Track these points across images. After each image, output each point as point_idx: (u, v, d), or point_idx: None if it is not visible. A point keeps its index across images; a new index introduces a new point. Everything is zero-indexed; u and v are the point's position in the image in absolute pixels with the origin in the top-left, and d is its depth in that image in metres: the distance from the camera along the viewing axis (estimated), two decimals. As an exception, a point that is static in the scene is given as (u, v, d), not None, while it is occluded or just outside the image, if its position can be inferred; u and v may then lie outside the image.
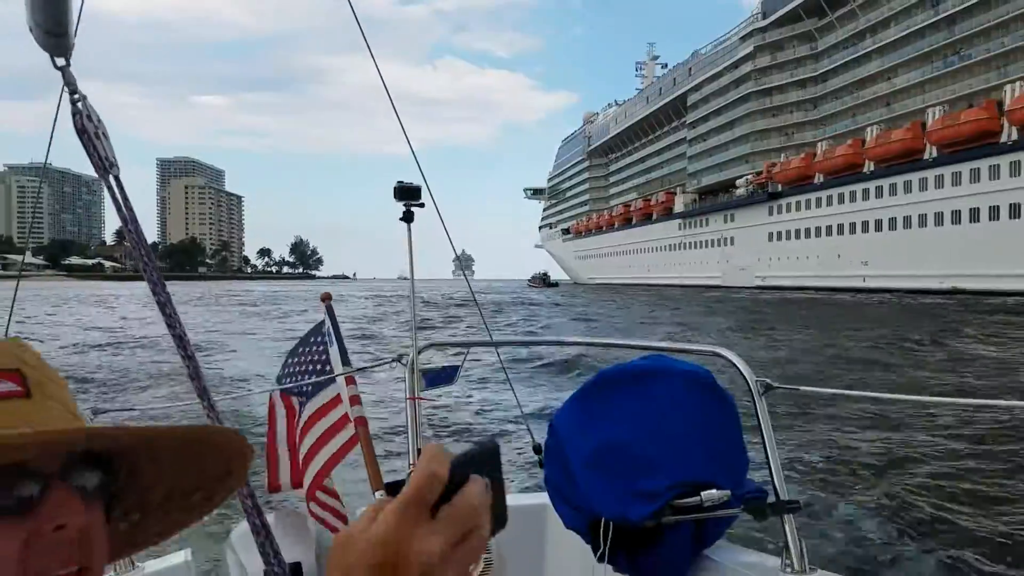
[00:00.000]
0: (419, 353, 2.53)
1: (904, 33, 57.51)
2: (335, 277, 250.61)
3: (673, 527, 1.53)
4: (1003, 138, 45.98)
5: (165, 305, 0.76)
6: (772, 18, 72.96)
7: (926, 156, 51.97)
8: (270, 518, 2.34)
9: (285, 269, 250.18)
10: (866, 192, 58.11)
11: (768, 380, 1.89)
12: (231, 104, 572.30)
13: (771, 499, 1.68)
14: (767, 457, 1.81)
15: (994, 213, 46.52)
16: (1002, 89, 47.09)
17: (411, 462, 2.27)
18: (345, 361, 2.60)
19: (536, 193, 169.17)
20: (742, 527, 1.91)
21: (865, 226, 58.37)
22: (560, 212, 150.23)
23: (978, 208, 47.60)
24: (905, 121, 55.62)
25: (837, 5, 65.31)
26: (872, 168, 57.56)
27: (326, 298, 2.79)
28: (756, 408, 1.88)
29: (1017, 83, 46.29)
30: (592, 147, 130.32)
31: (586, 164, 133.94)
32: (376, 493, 2.30)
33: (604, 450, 1.56)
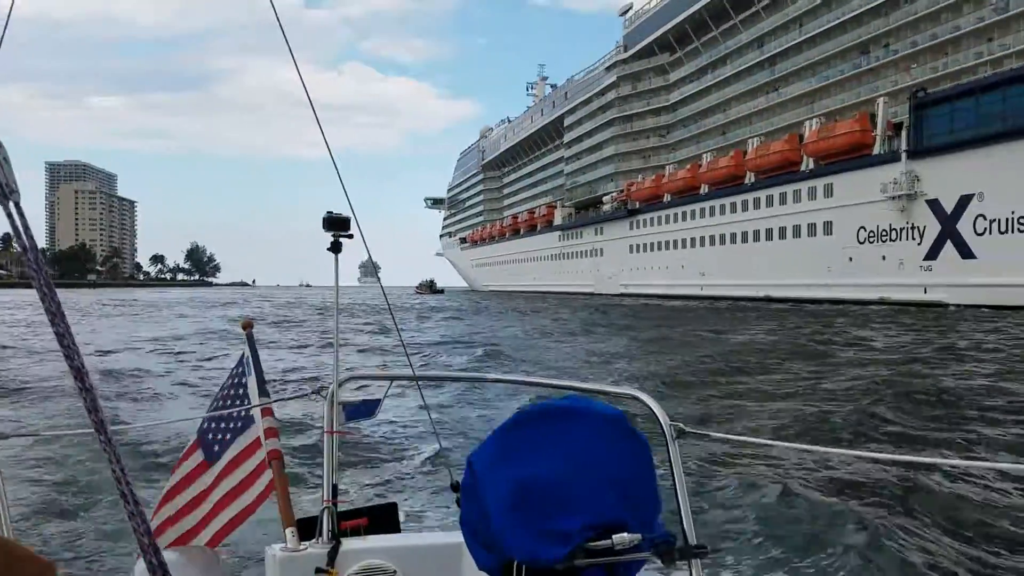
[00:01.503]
0: (339, 386, 2.47)
1: (736, 70, 65.08)
2: (233, 284, 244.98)
3: (584, 570, 1.52)
4: (803, 167, 53.45)
5: (63, 336, 0.71)
6: (632, 51, 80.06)
7: (746, 181, 59.27)
8: (174, 555, 2.48)
9: (180, 276, 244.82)
10: (702, 211, 65.30)
11: (681, 425, 1.96)
12: (129, 104, 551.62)
13: (680, 543, 1.68)
14: (677, 501, 1.85)
15: (797, 231, 53.94)
16: (804, 124, 54.74)
17: (326, 498, 2.24)
18: (263, 392, 2.60)
19: (436, 203, 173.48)
20: (653, 571, 1.90)
21: (702, 241, 65.51)
22: (459, 222, 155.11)
23: (786, 227, 54.98)
24: (735, 149, 63.06)
25: (685, 42, 72.68)
26: (707, 190, 64.74)
27: (247, 326, 2.76)
28: (669, 452, 1.92)
29: (814, 120, 53.96)
30: (486, 160, 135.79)
31: (481, 177, 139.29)
32: (287, 530, 2.26)
33: (519, 490, 1.56)
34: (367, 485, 6.91)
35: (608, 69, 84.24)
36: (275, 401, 2.63)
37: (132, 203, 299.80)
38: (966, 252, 40.33)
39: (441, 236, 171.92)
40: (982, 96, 39.23)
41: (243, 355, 2.71)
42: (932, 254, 42.52)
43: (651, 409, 2.00)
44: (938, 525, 6.03)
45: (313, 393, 2.57)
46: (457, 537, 1.79)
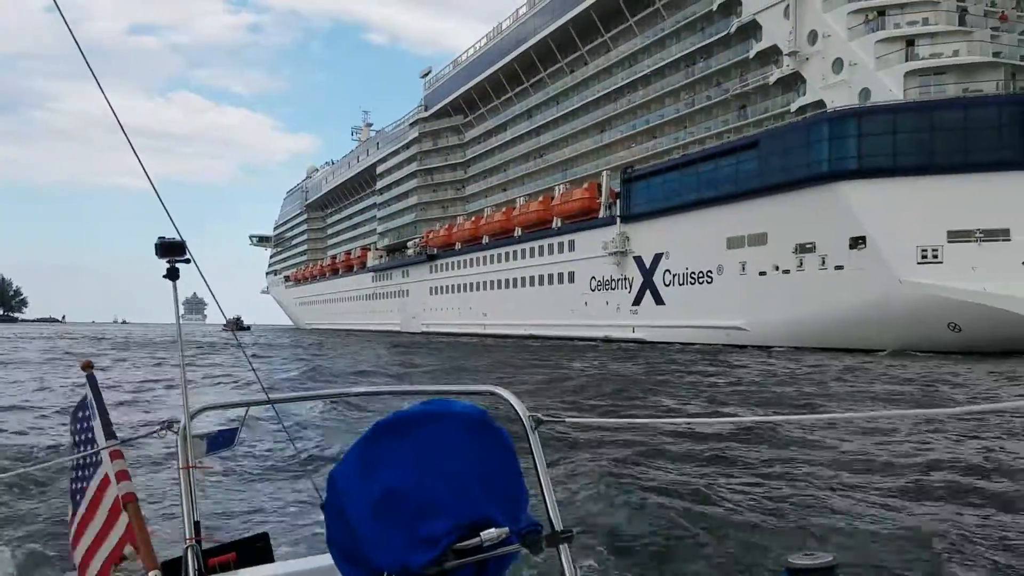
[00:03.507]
0: (192, 418, 2.38)
1: (512, 136, 74.30)
2: (41, 320, 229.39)
3: (456, 572, 1.52)
4: (553, 225, 62.61)
5: None
6: (431, 111, 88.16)
7: (515, 234, 67.97)
8: None
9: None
10: (483, 259, 73.48)
11: (539, 415, 2.02)
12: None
13: (546, 531, 1.70)
14: (541, 489, 1.89)
15: (551, 279, 62.84)
16: (555, 188, 64.18)
17: (187, 536, 2.15)
18: (109, 434, 2.44)
19: (262, 240, 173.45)
20: (525, 561, 1.94)
21: (484, 285, 73.57)
22: (284, 260, 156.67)
23: (543, 276, 63.81)
24: (507, 206, 71.86)
25: (474, 107, 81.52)
26: (487, 240, 73.04)
27: (87, 367, 2.62)
28: (530, 442, 1.96)
29: (561, 185, 63.50)
30: (309, 201, 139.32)
31: (305, 216, 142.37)
32: (150, 574, 2.13)
33: (381, 500, 1.55)
34: (235, 519, 6.69)
35: (412, 125, 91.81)
36: (123, 442, 2.44)
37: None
38: (659, 299, 50.10)
39: (267, 273, 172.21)
40: (667, 175, 49.38)
41: (85, 398, 2.53)
42: (637, 300, 52.12)
43: (509, 403, 2.04)
44: (806, 480, 6.51)
45: (163, 429, 2.44)
46: (327, 559, 1.74)
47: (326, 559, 1.98)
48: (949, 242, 34.38)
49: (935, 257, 34.53)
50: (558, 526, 1.82)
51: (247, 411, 2.65)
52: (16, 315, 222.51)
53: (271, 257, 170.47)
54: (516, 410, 2.01)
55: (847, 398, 15.74)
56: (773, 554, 5.08)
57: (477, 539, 1.53)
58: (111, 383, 19.87)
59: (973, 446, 9.43)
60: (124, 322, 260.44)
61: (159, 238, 2.30)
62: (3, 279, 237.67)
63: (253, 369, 3.40)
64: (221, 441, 2.55)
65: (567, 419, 2.25)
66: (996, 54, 37.18)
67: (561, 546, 1.80)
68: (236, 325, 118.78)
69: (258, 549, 2.64)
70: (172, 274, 2.32)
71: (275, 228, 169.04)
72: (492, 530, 1.53)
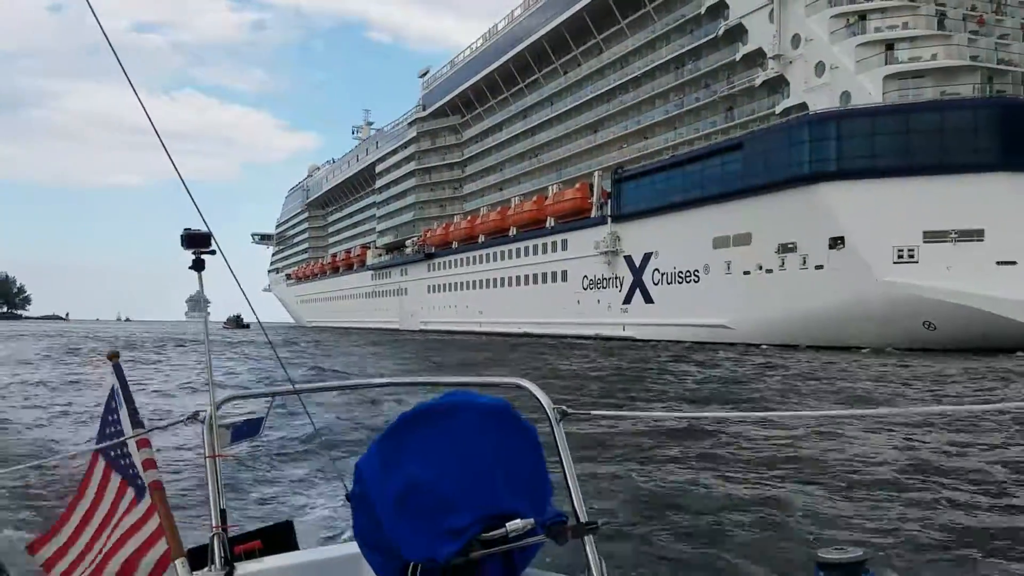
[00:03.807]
0: (218, 408, 2.39)
1: (508, 136, 75.22)
2: (45, 318, 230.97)
3: (482, 562, 1.54)
4: (547, 224, 63.53)
5: None
6: (429, 110, 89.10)
7: (510, 233, 68.89)
8: None
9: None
10: (479, 257, 74.43)
11: (564, 407, 2.02)
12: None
13: (571, 522, 1.71)
14: (566, 481, 1.89)
15: (544, 278, 63.78)
16: (549, 188, 65.10)
17: (214, 524, 2.16)
18: (136, 423, 2.46)
19: (264, 239, 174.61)
20: (555, 552, 1.95)
21: (479, 284, 74.53)
22: (286, 258, 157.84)
23: (537, 274, 64.75)
24: (502, 205, 72.79)
25: (471, 107, 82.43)
26: (483, 239, 73.99)
27: (113, 356, 2.63)
28: (554, 434, 1.96)
29: (555, 185, 64.40)
30: (310, 199, 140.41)
31: (307, 215, 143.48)
32: (176, 561, 2.14)
33: (407, 492, 1.57)
34: (260, 507, 6.75)
35: (410, 124, 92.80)
36: (151, 431, 2.47)
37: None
38: (648, 298, 51.01)
39: (269, 272, 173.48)
40: (655, 175, 50.27)
41: (112, 387, 2.56)
42: (627, 299, 53.04)
43: (534, 394, 2.04)
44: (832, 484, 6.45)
45: (189, 418, 2.48)
46: (356, 548, 1.75)
47: (350, 547, 2.04)
48: (925, 242, 35.24)
49: (911, 257, 35.39)
50: (583, 517, 1.83)
51: (272, 400, 2.69)
52: (20, 312, 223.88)
53: (273, 255, 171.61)
54: (541, 402, 2.02)
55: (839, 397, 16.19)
56: (803, 548, 5.08)
57: (502, 530, 1.54)
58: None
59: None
60: (127, 320, 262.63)
61: (185, 229, 2.29)
62: (7, 276, 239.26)
63: (279, 359, 3.55)
64: (246, 430, 2.57)
65: (593, 412, 2.31)
66: (974, 57, 38.00)
67: (586, 537, 1.80)
68: (236, 323, 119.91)
69: (283, 537, 2.67)
70: (198, 265, 2.32)
71: (277, 226, 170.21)
72: (517, 521, 1.55)
